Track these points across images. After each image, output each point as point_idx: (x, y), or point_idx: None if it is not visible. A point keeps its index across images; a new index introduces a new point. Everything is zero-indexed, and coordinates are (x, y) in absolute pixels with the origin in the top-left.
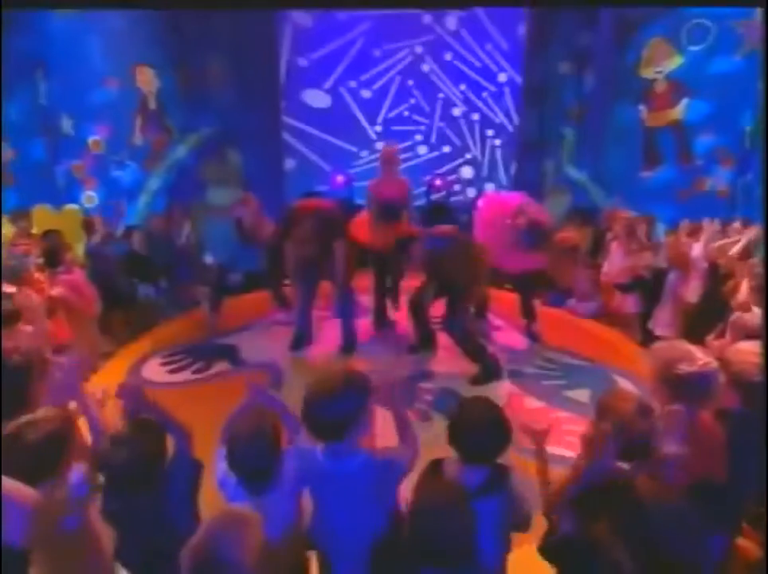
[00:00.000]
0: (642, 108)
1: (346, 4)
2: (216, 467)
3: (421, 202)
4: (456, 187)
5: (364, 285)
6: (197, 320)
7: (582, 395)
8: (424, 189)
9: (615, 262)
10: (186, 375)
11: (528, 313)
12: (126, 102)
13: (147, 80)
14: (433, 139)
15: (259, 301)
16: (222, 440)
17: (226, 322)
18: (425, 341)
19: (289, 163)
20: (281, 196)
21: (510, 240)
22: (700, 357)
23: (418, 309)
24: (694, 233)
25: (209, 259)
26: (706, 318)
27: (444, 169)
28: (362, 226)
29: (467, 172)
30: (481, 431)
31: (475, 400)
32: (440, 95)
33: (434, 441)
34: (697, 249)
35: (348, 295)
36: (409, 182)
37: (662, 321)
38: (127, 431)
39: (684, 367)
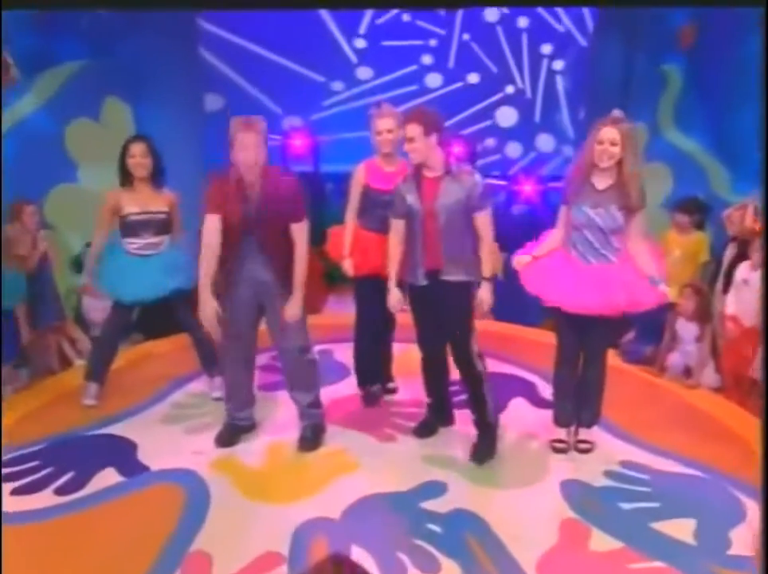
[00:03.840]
0: None
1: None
2: None
3: None
4: (488, 143)
5: (341, 323)
6: (65, 394)
7: (685, 529)
8: None
9: (749, 297)
10: (44, 498)
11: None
12: None
13: None
14: (452, 62)
15: (169, 357)
16: None
17: (114, 397)
18: (441, 415)
19: (213, 102)
20: (201, 158)
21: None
22: None
23: (438, 368)
24: None
25: (85, 282)
26: None
27: (467, 113)
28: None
29: (507, 116)
30: None
31: None
32: None
33: None
34: None
35: (307, 347)
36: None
37: None
38: None
39: None
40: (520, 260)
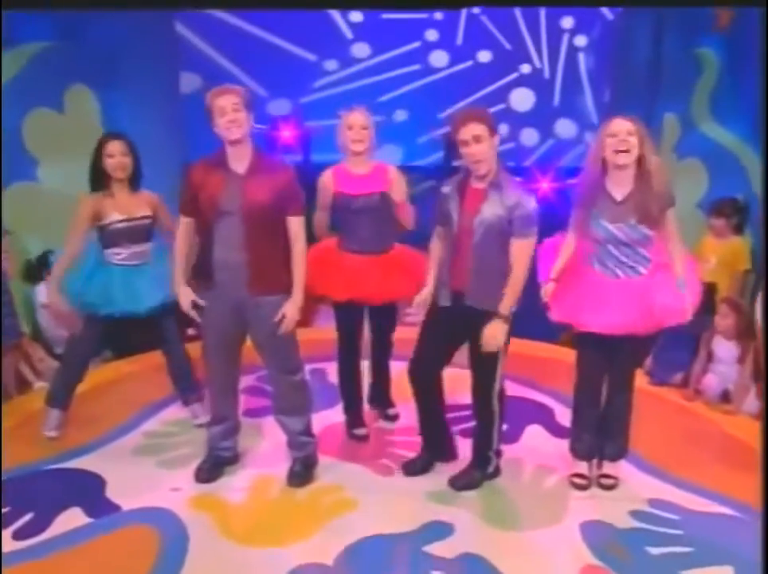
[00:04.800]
0: None
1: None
2: None
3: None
4: (500, 130)
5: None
6: (23, 423)
7: None
8: (439, 137)
9: None
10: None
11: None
12: None
13: None
14: (460, 38)
15: (141, 378)
16: None
17: (79, 425)
18: (438, 451)
19: (189, 82)
20: (180, 155)
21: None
22: None
23: (430, 398)
24: None
25: (51, 298)
26: None
27: (477, 96)
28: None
29: (522, 99)
30: None
31: None
32: None
33: None
34: None
35: (298, 366)
36: (393, 169)
37: None
38: None
39: None
40: (547, 290)
